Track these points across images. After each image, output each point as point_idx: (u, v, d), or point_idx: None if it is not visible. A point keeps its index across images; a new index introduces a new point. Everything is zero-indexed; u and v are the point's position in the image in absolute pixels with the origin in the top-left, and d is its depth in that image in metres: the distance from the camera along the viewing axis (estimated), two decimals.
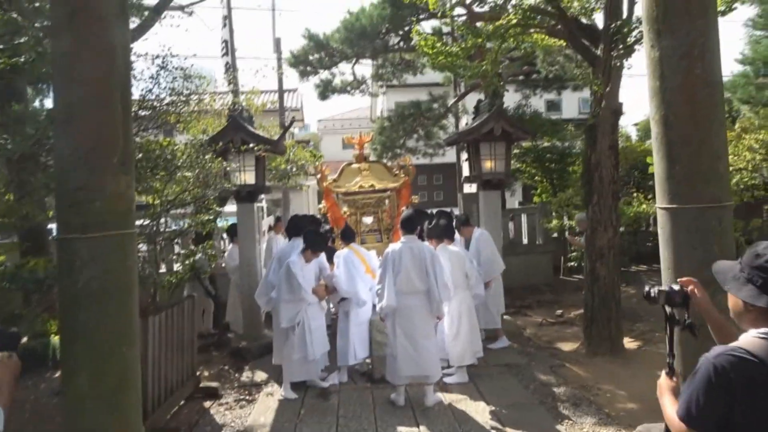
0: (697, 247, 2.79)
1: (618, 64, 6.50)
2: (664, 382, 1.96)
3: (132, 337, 2.77)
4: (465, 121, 14.07)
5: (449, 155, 15.66)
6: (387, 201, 8.39)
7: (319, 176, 8.34)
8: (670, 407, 1.82)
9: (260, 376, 6.43)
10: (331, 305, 6.82)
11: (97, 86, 2.62)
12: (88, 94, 2.59)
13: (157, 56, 4.94)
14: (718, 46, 2.83)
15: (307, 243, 5.77)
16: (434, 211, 6.93)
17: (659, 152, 2.91)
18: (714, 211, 2.76)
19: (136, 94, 5.12)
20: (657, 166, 2.95)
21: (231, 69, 9.32)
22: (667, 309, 1.99)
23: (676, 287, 1.94)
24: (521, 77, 13.57)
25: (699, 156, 2.77)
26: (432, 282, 5.18)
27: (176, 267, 7.86)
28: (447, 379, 5.79)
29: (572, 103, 21.45)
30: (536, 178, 12.86)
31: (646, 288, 2.03)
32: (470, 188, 12.74)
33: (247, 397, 5.84)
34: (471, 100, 12.79)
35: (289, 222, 6.97)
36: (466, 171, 11.18)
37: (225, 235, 9.43)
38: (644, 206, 8.72)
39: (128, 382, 2.74)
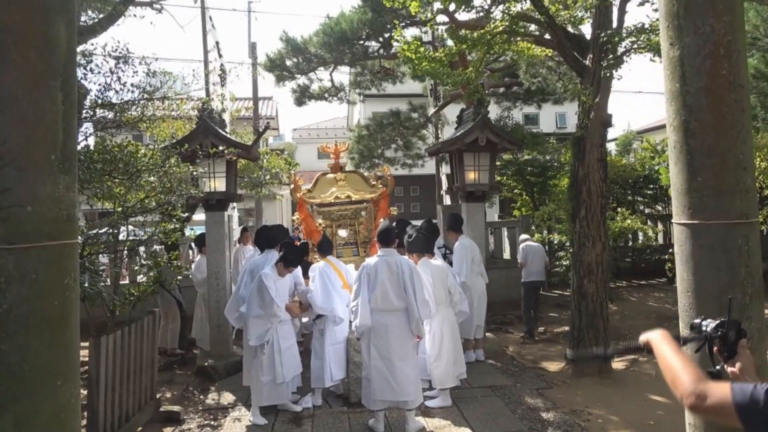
0: (722, 269, 2.49)
1: (608, 74, 6.30)
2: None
3: (70, 368, 2.32)
4: (444, 132, 13.86)
5: (427, 167, 15.43)
6: (364, 213, 8.00)
7: (292, 186, 7.91)
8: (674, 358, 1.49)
9: (227, 398, 5.97)
10: (304, 320, 6.39)
11: (33, 71, 2.21)
12: (21, 79, 2.17)
13: (118, 51, 4.46)
14: (744, 46, 2.56)
15: (282, 256, 5.36)
16: (420, 222, 6.60)
17: (678, 162, 2.61)
18: (741, 228, 2.47)
19: (94, 89, 4.68)
20: (675, 177, 2.65)
21: (214, 71, 8.85)
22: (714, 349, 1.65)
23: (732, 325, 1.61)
24: (501, 89, 13.44)
25: (724, 167, 2.48)
26: (411, 299, 4.80)
27: (140, 278, 7.36)
28: (429, 403, 5.41)
29: (549, 118, 21.50)
30: (516, 191, 12.67)
31: (697, 320, 1.69)
32: (449, 200, 12.49)
33: (212, 422, 5.38)
34: (451, 111, 12.60)
35: (259, 233, 6.54)
36: (445, 182, 10.87)
37: (193, 245, 8.95)
38: (628, 221, 8.55)
39: (64, 422, 2.29)
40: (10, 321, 2.13)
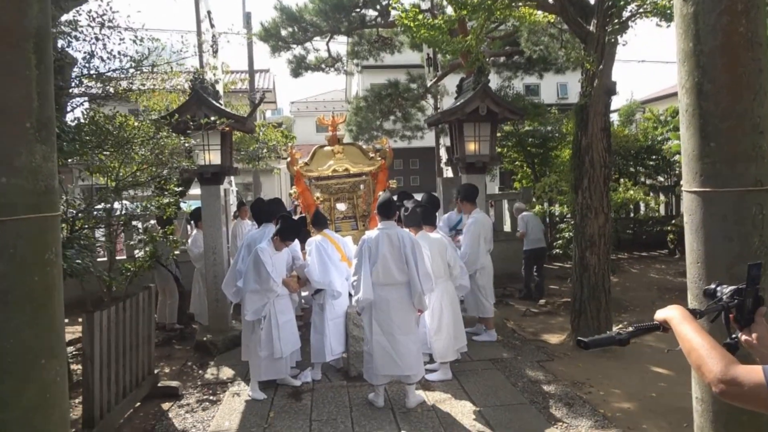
0: (733, 239, 2.38)
1: (612, 40, 6.10)
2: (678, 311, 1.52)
3: (54, 346, 2.24)
4: (443, 103, 13.62)
5: (427, 139, 15.23)
6: (362, 186, 7.85)
7: (289, 159, 7.75)
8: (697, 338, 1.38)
9: (226, 372, 5.94)
10: (303, 294, 6.32)
11: (2, 32, 2.06)
12: None
13: (105, 15, 4.25)
14: (763, 1, 2.40)
15: (278, 230, 5.25)
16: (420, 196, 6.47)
17: (690, 126, 2.48)
18: (755, 195, 2.36)
19: (80, 58, 4.50)
20: (686, 142, 2.52)
21: (204, 43, 8.57)
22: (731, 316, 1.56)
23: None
24: (502, 59, 13.16)
25: (740, 131, 2.35)
26: (413, 272, 4.72)
27: (136, 253, 7.29)
28: (429, 376, 5.37)
29: (550, 88, 21.20)
30: (516, 163, 12.50)
31: (712, 285, 1.60)
32: (449, 172, 12.34)
33: (211, 398, 5.35)
34: (450, 82, 12.35)
35: (255, 206, 6.43)
36: (444, 154, 10.69)
37: (190, 219, 8.85)
38: (631, 192, 8.42)
39: (50, 401, 2.22)
40: None
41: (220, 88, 7.76)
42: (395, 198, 7.29)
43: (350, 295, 5.83)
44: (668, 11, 5.86)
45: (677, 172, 11.85)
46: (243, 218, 8.66)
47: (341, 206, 7.85)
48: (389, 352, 4.70)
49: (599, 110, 6.17)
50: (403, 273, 4.76)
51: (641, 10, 6.04)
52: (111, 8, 4.21)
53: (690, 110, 2.48)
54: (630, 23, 6.17)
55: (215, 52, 7.27)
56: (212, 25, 8.70)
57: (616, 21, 6.02)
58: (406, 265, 4.74)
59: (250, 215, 8.02)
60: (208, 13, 8.92)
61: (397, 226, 5.03)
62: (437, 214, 6.20)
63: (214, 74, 7.48)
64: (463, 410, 4.71)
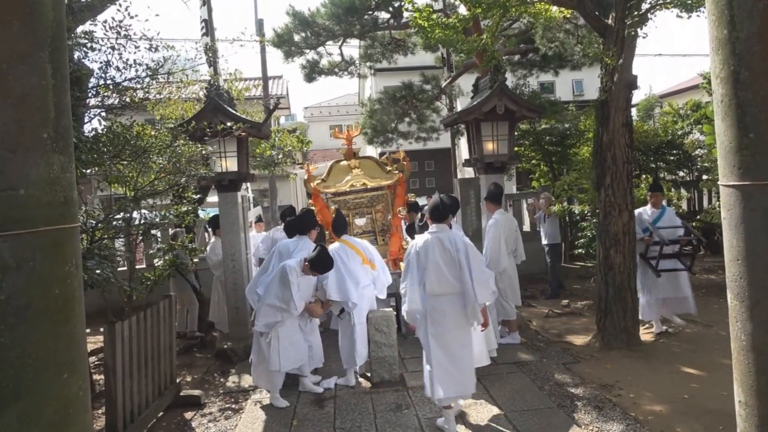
0: None
1: (632, 33, 5.97)
2: None
3: (76, 360, 2.19)
4: (458, 104, 13.53)
5: (442, 140, 15.14)
6: (380, 200, 7.75)
7: (305, 177, 7.67)
8: None
9: (247, 380, 5.90)
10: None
11: (17, 42, 2.03)
12: (4, 51, 1.99)
13: (122, 22, 4.23)
14: None
15: (311, 258, 5.09)
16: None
17: (726, 117, 2.37)
18: None
19: (96, 68, 4.49)
20: (722, 135, 2.40)
21: (210, 49, 8.54)
22: None
23: None
24: (517, 57, 13.02)
25: None
26: (466, 279, 4.22)
27: (156, 262, 7.30)
28: None
29: (566, 85, 20.93)
30: (534, 161, 12.33)
31: None
32: (463, 173, 12.23)
33: (233, 406, 5.32)
34: (465, 82, 12.25)
35: (287, 217, 6.40)
36: (464, 154, 10.56)
37: (208, 227, 8.86)
38: None
39: (72, 417, 2.17)
40: (9, 313, 1.98)
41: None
42: (406, 210, 7.22)
43: (377, 298, 5.78)
44: (689, 1, 5.72)
45: (699, 166, 11.58)
46: (259, 231, 8.59)
47: (360, 221, 7.77)
48: (450, 372, 4.29)
49: (620, 105, 6.04)
50: (458, 281, 4.29)
51: (661, 1, 5.90)
52: (129, 14, 4.17)
53: (726, 101, 2.37)
54: (650, 15, 6.03)
55: (210, 63, 7.15)
56: (204, 35, 8.63)
57: (635, 13, 5.89)
58: (460, 272, 4.29)
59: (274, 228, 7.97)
60: (205, 21, 8.84)
61: (449, 229, 4.55)
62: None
63: (224, 80, 7.45)
64: (489, 415, 4.60)
